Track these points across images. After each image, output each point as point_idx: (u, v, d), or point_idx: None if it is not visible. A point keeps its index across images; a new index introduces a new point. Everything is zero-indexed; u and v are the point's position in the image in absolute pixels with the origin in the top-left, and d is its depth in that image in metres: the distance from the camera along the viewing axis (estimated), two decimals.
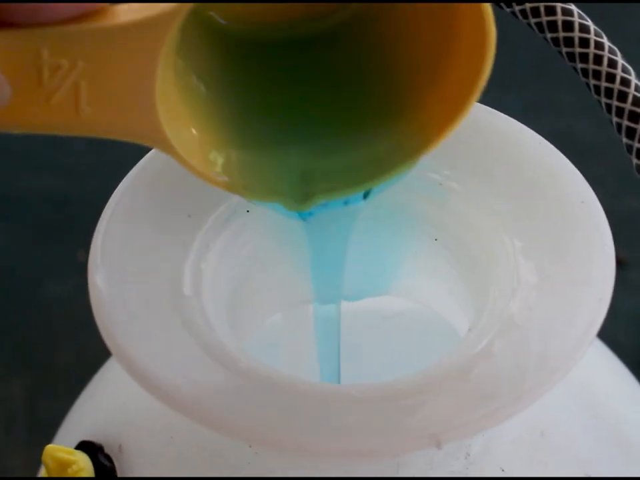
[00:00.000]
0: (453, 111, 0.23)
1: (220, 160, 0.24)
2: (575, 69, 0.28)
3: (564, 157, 0.26)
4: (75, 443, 0.29)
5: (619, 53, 0.27)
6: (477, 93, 0.23)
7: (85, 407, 0.33)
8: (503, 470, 0.26)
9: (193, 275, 0.25)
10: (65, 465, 0.28)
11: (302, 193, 0.25)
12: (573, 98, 0.74)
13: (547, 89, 0.76)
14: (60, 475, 0.28)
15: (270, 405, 0.22)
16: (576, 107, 0.74)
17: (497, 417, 0.22)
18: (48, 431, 0.41)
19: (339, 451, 0.22)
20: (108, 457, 0.28)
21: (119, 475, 0.28)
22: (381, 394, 0.22)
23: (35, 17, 0.18)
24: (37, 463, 0.57)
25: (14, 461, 0.58)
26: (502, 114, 0.27)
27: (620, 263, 0.25)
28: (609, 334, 0.35)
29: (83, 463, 0.28)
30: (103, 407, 0.31)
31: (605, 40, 0.27)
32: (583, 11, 0.27)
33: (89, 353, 0.62)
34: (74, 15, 0.19)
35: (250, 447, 0.25)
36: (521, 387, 0.22)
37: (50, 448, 0.28)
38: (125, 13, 0.20)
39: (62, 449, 0.28)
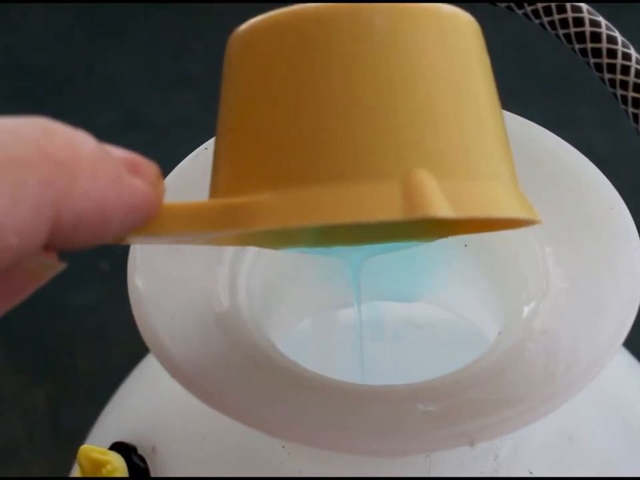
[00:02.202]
0: (483, 226, 0.23)
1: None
2: (603, 79, 0.28)
3: (592, 164, 0.27)
4: (108, 444, 0.30)
5: None
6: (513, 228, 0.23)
7: (117, 409, 0.34)
8: (530, 472, 0.27)
9: (229, 278, 0.26)
10: (100, 464, 0.28)
11: (321, 241, 0.26)
12: (592, 112, 0.75)
13: (567, 102, 0.76)
14: (94, 474, 0.28)
15: (305, 404, 0.22)
16: (595, 121, 0.74)
17: (527, 417, 0.22)
18: (71, 439, 0.41)
19: (373, 449, 0.22)
20: (141, 458, 0.29)
21: (152, 475, 0.28)
22: (415, 394, 0.22)
23: (88, 245, 0.19)
24: (60, 470, 0.58)
25: (37, 467, 0.59)
26: (533, 123, 0.27)
27: None
28: (635, 346, 0.35)
29: (117, 463, 0.28)
30: (136, 409, 0.32)
31: (632, 51, 0.28)
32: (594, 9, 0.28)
33: (112, 361, 0.63)
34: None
35: (283, 447, 0.26)
36: (551, 388, 0.22)
37: (84, 448, 0.29)
38: (169, 216, 0.19)
39: (96, 449, 0.28)
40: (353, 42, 0.19)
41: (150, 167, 0.19)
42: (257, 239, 0.25)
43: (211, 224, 0.19)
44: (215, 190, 0.21)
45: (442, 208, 0.18)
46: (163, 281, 0.25)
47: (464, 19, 0.20)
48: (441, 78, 0.19)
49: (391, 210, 0.18)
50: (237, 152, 0.20)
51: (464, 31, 0.20)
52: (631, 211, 0.26)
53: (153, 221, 0.19)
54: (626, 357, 0.34)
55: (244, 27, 0.20)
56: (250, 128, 0.20)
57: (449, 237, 0.25)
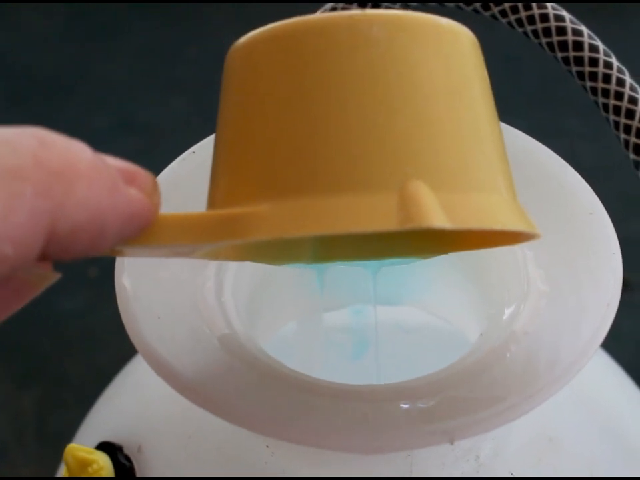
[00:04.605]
0: (482, 242, 0.24)
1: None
2: (585, 87, 0.29)
3: (573, 169, 0.27)
4: (95, 443, 0.30)
5: (627, 72, 0.28)
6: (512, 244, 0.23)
7: (104, 409, 0.34)
8: (511, 473, 0.27)
9: (215, 280, 0.26)
10: (86, 463, 0.28)
11: (320, 256, 0.26)
12: (576, 122, 0.75)
13: (551, 113, 0.77)
14: (80, 473, 0.28)
15: (289, 401, 0.23)
16: (579, 131, 0.75)
17: (509, 415, 0.22)
18: (58, 443, 0.41)
19: (355, 446, 0.22)
20: (127, 457, 0.29)
21: (138, 474, 0.29)
22: (397, 393, 0.23)
23: (84, 255, 0.19)
24: (48, 473, 0.58)
25: (25, 471, 0.59)
26: (514, 129, 0.28)
27: (625, 285, 0.26)
28: (613, 356, 0.35)
29: (103, 462, 0.28)
30: (123, 409, 0.32)
31: (613, 59, 0.28)
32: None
33: (99, 366, 0.63)
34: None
35: (267, 446, 0.26)
36: (532, 387, 0.23)
37: (71, 447, 0.29)
38: (166, 227, 0.19)
39: (82, 449, 0.29)
40: (351, 53, 0.19)
41: (146, 176, 0.20)
42: (255, 253, 0.25)
43: (207, 234, 0.19)
44: (212, 201, 0.21)
45: (438, 219, 0.18)
46: (150, 282, 0.25)
47: (461, 32, 0.20)
48: (438, 90, 0.19)
49: (386, 221, 0.18)
50: (234, 163, 0.20)
51: (461, 43, 0.20)
52: (615, 220, 0.26)
53: (149, 231, 0.19)
54: (604, 358, 0.34)
55: (242, 39, 0.21)
56: (248, 139, 0.20)
57: (447, 253, 0.25)
